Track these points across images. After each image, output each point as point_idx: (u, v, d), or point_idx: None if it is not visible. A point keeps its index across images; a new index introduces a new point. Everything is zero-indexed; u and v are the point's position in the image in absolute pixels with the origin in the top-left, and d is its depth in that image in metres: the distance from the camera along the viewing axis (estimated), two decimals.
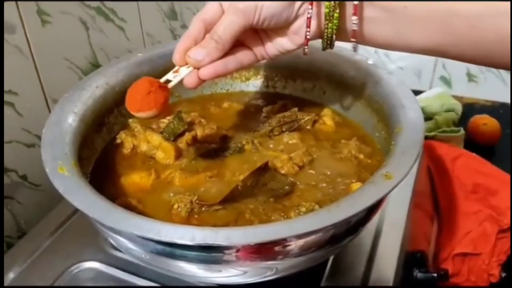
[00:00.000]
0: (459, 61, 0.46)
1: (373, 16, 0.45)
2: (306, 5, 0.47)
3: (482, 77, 1.15)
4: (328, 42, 0.49)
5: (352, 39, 0.47)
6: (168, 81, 0.49)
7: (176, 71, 0.50)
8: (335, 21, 0.46)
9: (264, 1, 0.46)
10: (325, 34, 0.48)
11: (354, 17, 0.45)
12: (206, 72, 0.48)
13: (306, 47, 0.50)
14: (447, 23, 0.42)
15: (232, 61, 0.50)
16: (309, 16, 0.47)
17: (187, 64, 0.49)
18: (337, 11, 0.46)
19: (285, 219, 0.50)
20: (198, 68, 0.48)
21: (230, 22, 0.46)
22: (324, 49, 0.50)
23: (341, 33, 0.48)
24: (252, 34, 0.51)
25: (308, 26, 0.47)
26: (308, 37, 0.48)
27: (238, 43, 0.50)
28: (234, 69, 0.50)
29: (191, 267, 0.47)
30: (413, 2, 0.43)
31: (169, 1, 1.00)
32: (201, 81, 0.49)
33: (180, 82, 0.49)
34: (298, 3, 0.47)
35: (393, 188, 0.44)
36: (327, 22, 0.47)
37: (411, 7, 0.43)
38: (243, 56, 0.51)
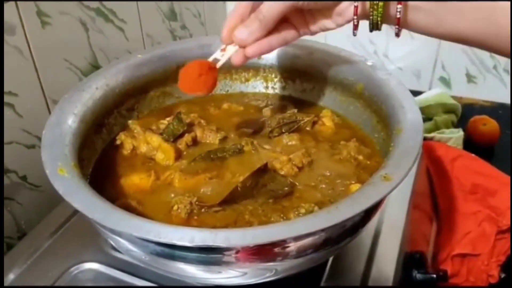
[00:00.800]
0: (495, 53, 0.47)
1: (416, 4, 0.46)
2: None
3: (482, 77, 1.15)
4: (374, 26, 0.49)
5: (396, 26, 0.48)
6: (216, 60, 0.53)
7: (223, 49, 0.53)
8: (380, 9, 0.47)
9: None
10: (371, 19, 0.49)
11: (399, 6, 0.46)
12: (251, 50, 0.51)
13: (355, 31, 0.50)
14: (490, 14, 0.43)
15: (276, 38, 0.51)
16: (356, 5, 0.48)
17: (233, 42, 0.51)
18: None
19: (284, 220, 0.50)
20: (244, 46, 0.50)
21: (276, 3, 0.48)
22: (371, 31, 0.50)
23: (386, 18, 0.48)
24: (296, 12, 0.51)
25: (356, 13, 0.48)
26: (355, 23, 0.49)
27: (282, 19, 0.51)
28: (278, 46, 0.52)
29: (191, 268, 0.47)
30: None
31: (168, 1, 1.00)
32: (247, 59, 0.52)
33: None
34: None
35: (392, 190, 0.44)
36: (372, 10, 0.48)
37: None
38: (286, 33, 0.52)
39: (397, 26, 0.48)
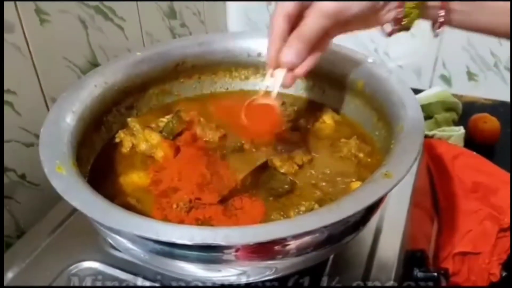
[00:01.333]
0: None
1: (454, 7, 0.46)
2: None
3: (482, 75, 1.14)
4: (404, 29, 0.49)
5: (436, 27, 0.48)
6: (268, 89, 0.53)
7: (271, 74, 0.52)
8: (415, 15, 0.47)
9: (352, 5, 0.46)
10: (404, 22, 0.48)
11: (442, 11, 0.46)
12: (299, 70, 0.51)
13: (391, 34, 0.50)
14: None
15: (318, 51, 0.51)
16: (398, 16, 0.47)
17: (279, 66, 0.51)
18: (417, 10, 0.47)
19: (284, 219, 0.49)
20: (292, 69, 0.50)
21: (317, 25, 0.47)
22: (398, 31, 0.50)
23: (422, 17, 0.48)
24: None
25: (397, 23, 0.48)
26: (395, 29, 0.49)
27: None
28: (320, 56, 0.52)
29: (190, 267, 0.46)
30: None
31: (168, 0, 0.99)
32: (296, 79, 0.52)
33: None
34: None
35: (393, 187, 0.44)
36: (405, 17, 0.47)
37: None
38: (325, 43, 0.52)
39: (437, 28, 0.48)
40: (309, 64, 0.51)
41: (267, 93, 0.53)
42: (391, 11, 0.48)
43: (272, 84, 0.52)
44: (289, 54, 0.49)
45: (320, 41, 0.50)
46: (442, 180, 0.84)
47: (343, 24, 0.50)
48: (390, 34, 0.50)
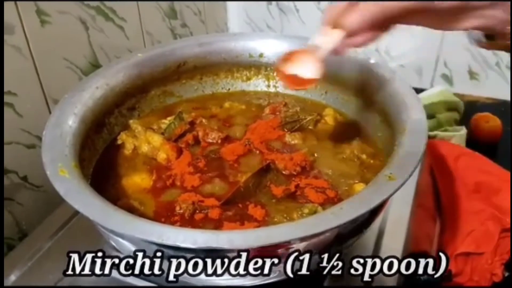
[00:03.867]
0: None
1: None
2: None
3: (484, 74, 1.14)
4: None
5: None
6: (317, 46, 0.49)
7: (324, 33, 0.48)
8: None
9: None
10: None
11: None
12: (356, 40, 0.47)
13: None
14: None
15: (378, 32, 0.47)
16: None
17: (335, 27, 0.47)
18: None
19: (288, 221, 0.49)
20: (351, 34, 0.46)
21: (401, 5, 0.43)
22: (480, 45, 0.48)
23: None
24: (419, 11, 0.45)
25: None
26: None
27: None
28: (378, 38, 0.48)
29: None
30: None
31: (169, 0, 0.99)
32: (349, 47, 0.48)
33: None
34: None
35: (396, 190, 0.44)
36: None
37: None
38: (388, 27, 0.47)
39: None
40: (367, 38, 0.46)
41: (310, 49, 0.50)
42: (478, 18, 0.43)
43: (323, 41, 0.49)
44: (356, 17, 0.44)
45: (385, 22, 0.45)
46: (444, 180, 0.84)
47: (420, 13, 0.44)
48: (481, 46, 0.47)
